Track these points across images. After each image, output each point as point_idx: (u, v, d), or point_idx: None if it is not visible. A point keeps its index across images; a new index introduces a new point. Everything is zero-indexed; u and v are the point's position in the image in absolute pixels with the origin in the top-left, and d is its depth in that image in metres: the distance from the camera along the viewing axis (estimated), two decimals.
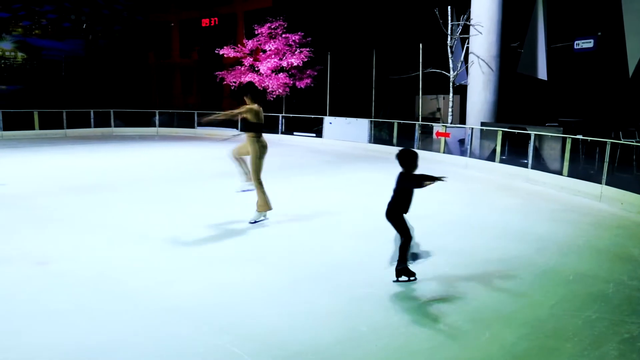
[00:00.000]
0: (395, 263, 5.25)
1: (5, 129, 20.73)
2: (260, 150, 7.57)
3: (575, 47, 15.05)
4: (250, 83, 8.27)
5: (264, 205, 7.63)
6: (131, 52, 32.88)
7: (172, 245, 6.65)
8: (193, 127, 23.54)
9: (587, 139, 10.85)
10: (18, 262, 5.81)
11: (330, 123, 19.53)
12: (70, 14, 31.43)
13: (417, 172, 5.23)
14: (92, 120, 23.10)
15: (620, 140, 10.94)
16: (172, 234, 7.13)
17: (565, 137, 11.06)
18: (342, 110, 20.93)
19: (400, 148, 5.38)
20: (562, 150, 11.23)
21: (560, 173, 10.97)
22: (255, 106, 7.57)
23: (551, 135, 12.06)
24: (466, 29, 15.88)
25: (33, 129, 21.49)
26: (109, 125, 23.53)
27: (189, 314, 4.56)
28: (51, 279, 5.36)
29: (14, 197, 9.33)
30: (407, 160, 5.19)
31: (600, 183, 9.72)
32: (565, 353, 4.01)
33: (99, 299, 4.85)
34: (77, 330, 4.24)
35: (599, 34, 14.63)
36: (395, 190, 5.27)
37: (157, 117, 24.31)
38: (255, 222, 7.62)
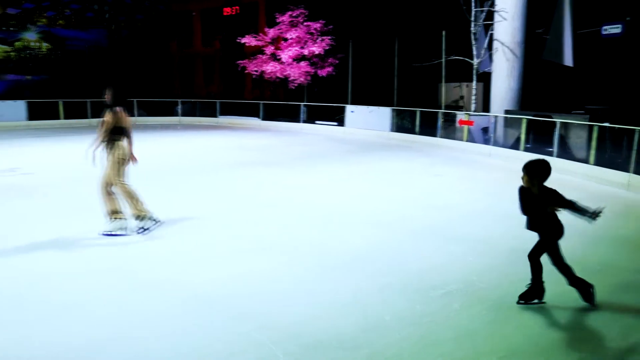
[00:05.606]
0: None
1: (31, 118, 21.11)
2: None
3: (602, 32, 14.67)
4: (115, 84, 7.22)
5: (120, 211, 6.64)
6: (153, 42, 33.07)
7: (197, 234, 6.70)
8: (215, 116, 23.65)
9: (614, 127, 10.63)
10: (44, 250, 5.91)
11: (352, 112, 19.44)
12: (93, 4, 31.70)
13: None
14: None
15: None
16: (196, 223, 7.20)
17: (592, 125, 10.86)
18: (364, 98, 20.80)
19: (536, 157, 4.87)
20: (589, 138, 11.03)
21: (586, 161, 10.78)
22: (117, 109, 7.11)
23: (577, 123, 11.84)
24: (490, 15, 15.63)
25: (58, 118, 21.86)
26: (131, 115, 23.67)
27: (214, 302, 4.60)
28: (76, 268, 5.45)
29: (40, 186, 9.49)
30: (537, 171, 4.82)
31: (628, 171, 9.54)
32: (592, 344, 3.96)
33: (123, 289, 4.92)
34: (103, 319, 4.31)
35: (628, 19, 14.25)
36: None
37: (179, 107, 24.47)
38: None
